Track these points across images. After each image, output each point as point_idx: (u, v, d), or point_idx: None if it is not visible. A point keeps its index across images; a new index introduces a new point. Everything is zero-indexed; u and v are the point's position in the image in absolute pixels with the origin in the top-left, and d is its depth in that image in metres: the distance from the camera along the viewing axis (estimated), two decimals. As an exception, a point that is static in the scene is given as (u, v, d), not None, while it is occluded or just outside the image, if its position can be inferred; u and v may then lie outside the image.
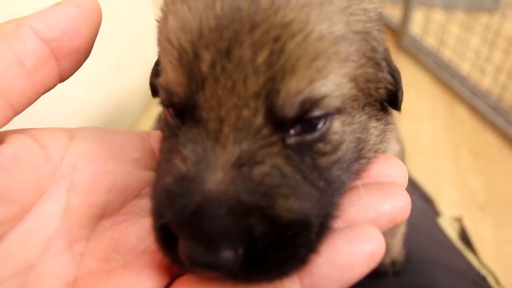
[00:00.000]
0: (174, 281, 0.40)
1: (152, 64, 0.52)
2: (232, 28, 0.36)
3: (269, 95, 0.37)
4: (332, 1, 0.39)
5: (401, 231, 0.80)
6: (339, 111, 0.40)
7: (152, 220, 0.39)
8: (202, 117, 0.38)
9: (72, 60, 0.43)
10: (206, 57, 0.37)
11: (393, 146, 0.61)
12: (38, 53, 0.40)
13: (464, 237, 1.00)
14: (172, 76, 0.39)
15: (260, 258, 0.35)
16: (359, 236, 0.38)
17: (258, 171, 0.36)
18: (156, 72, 0.52)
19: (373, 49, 0.44)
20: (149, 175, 0.46)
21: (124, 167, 0.46)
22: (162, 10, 0.45)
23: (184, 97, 0.39)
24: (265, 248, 0.35)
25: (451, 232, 0.98)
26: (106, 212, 0.44)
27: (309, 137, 0.39)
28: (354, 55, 0.41)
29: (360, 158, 0.44)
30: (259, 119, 0.37)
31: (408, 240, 0.81)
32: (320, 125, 0.39)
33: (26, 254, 0.38)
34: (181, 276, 0.40)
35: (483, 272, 0.85)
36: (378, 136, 0.47)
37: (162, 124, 0.46)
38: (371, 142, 0.45)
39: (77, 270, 0.40)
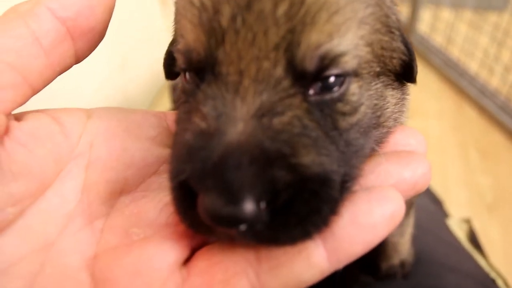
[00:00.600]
0: (194, 253, 0.40)
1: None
2: None
3: (289, 47, 0.37)
4: None
5: (409, 231, 0.79)
6: (356, 74, 0.41)
7: (170, 179, 0.38)
8: (222, 71, 0.38)
9: (87, 39, 0.43)
10: (226, 11, 0.38)
11: (402, 118, 0.61)
12: (54, 32, 0.40)
13: (473, 239, 0.99)
14: (191, 35, 0.40)
15: (283, 216, 0.35)
16: (379, 197, 0.38)
17: (279, 121, 0.36)
18: (170, 53, 0.53)
19: (387, 16, 0.44)
20: (166, 152, 0.46)
21: (141, 144, 0.46)
22: None
23: (204, 54, 0.39)
24: (288, 204, 0.35)
25: (460, 233, 0.97)
26: (125, 189, 0.43)
27: (328, 96, 0.39)
28: (370, 18, 0.42)
29: (379, 125, 0.45)
30: (279, 71, 0.37)
31: (417, 241, 0.80)
32: (339, 85, 0.40)
33: (46, 231, 0.38)
34: (201, 248, 0.40)
35: (492, 275, 0.84)
36: (395, 105, 0.47)
37: (178, 92, 0.47)
38: (389, 110, 0.46)
39: (97, 246, 0.40)
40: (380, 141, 0.46)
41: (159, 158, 0.46)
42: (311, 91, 0.39)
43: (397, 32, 0.46)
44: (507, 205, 1.83)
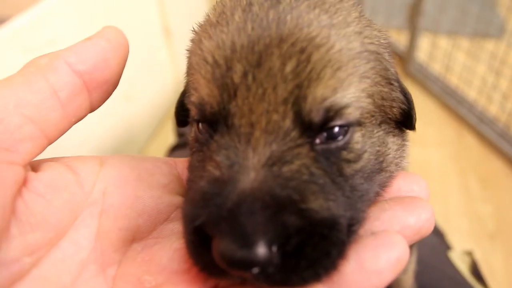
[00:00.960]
0: None
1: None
2: (262, 42, 0.42)
3: (296, 101, 0.41)
4: (349, 25, 0.45)
5: (412, 267, 0.80)
6: (359, 123, 0.44)
7: (185, 223, 0.40)
8: (234, 123, 0.41)
9: (102, 91, 0.46)
10: (239, 68, 0.41)
11: (403, 163, 0.64)
12: (72, 85, 0.42)
13: (475, 271, 0.99)
14: (205, 90, 0.43)
15: (294, 259, 0.36)
16: (385, 242, 0.39)
17: (288, 169, 0.39)
18: (181, 102, 0.56)
19: (386, 69, 0.48)
20: (177, 200, 0.48)
21: (153, 192, 0.47)
22: (193, 38, 0.50)
23: (217, 107, 0.42)
24: (298, 247, 0.36)
25: (462, 266, 0.97)
26: (137, 236, 0.45)
27: (333, 145, 0.42)
28: (370, 72, 0.45)
29: (382, 170, 0.47)
30: (288, 123, 0.40)
31: (420, 277, 0.81)
32: (343, 134, 0.43)
33: (61, 280, 0.39)
34: None
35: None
36: (396, 150, 0.50)
37: (191, 142, 0.50)
38: (390, 155, 0.49)
39: None
40: (383, 185, 0.48)
41: (171, 206, 0.48)
42: (317, 141, 0.42)
43: (396, 84, 0.49)
44: (508, 233, 1.83)
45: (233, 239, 0.35)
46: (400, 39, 2.79)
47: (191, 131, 0.51)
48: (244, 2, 0.46)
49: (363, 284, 0.38)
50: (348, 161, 0.43)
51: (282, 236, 0.36)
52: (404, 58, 2.68)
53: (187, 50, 0.53)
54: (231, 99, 0.41)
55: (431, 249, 0.97)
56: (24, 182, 0.39)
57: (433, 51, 2.58)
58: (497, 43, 2.50)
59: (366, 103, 0.44)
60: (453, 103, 2.40)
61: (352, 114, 0.43)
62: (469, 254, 1.04)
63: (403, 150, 0.53)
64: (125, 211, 0.44)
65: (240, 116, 0.41)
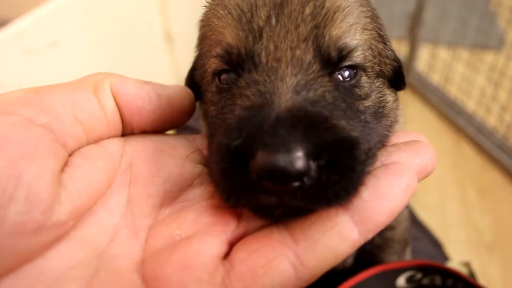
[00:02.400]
0: (233, 247, 0.43)
1: None
2: None
3: (316, 39, 0.46)
4: None
5: (401, 225, 0.82)
6: (363, 69, 0.50)
7: (219, 151, 0.42)
8: (262, 60, 0.46)
9: (139, 128, 0.51)
10: (263, 13, 0.47)
11: (399, 117, 0.70)
12: (113, 110, 0.48)
13: (473, 282, 0.99)
14: (231, 36, 0.48)
15: (326, 174, 0.39)
16: (396, 171, 0.43)
17: (314, 94, 0.44)
18: (191, 77, 0.61)
19: (380, 29, 0.55)
20: (199, 169, 0.51)
21: (176, 161, 0.50)
22: (210, 5, 0.56)
23: (244, 49, 0.47)
24: (329, 163, 0.39)
25: (460, 277, 0.97)
26: (164, 201, 0.48)
27: (347, 83, 0.48)
28: (370, 26, 0.52)
29: (385, 115, 0.53)
30: (309, 57, 0.46)
31: (417, 286, 0.81)
32: (353, 76, 0.49)
33: (96, 241, 0.42)
34: (238, 242, 0.44)
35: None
36: (393, 102, 0.56)
37: (211, 96, 0.54)
38: (389, 104, 0.55)
39: (144, 252, 0.44)
40: (388, 130, 0.53)
41: (193, 173, 0.50)
42: (334, 77, 0.47)
43: (388, 43, 0.56)
44: (506, 244, 1.83)
45: (276, 149, 0.37)
46: (400, 49, 2.81)
47: (208, 90, 0.55)
48: None
49: (380, 209, 0.41)
50: (360, 98, 0.49)
51: (317, 149, 0.38)
52: (404, 68, 2.68)
53: (200, 21, 0.58)
54: (257, 40, 0.46)
55: (428, 259, 0.97)
56: (66, 163, 0.43)
57: (433, 61, 2.60)
58: (496, 55, 2.52)
59: (368, 52, 0.50)
60: (452, 114, 2.41)
61: (359, 57, 0.49)
62: (467, 265, 1.04)
63: (397, 104, 0.59)
64: (152, 179, 0.48)
65: (267, 53, 0.46)
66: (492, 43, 2.74)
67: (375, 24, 0.54)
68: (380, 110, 0.52)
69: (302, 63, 0.45)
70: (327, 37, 0.47)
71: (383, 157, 0.47)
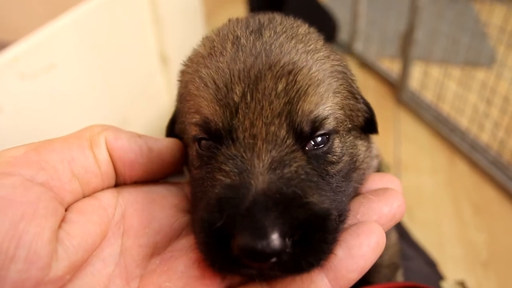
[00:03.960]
0: None
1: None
2: (256, 67, 0.49)
3: (289, 114, 0.48)
4: (319, 51, 0.54)
5: (387, 252, 0.82)
6: (336, 131, 0.53)
7: (202, 228, 0.45)
8: (239, 136, 0.48)
9: (132, 179, 0.54)
10: (238, 90, 0.49)
11: (372, 162, 0.72)
12: (107, 164, 0.50)
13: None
14: (209, 110, 0.50)
15: (300, 247, 0.42)
16: (365, 230, 0.47)
17: (288, 171, 0.46)
18: (171, 126, 0.64)
19: (351, 85, 0.58)
20: (188, 218, 0.54)
21: (167, 212, 0.53)
22: (185, 70, 0.58)
23: (221, 124, 0.49)
24: (303, 237, 0.42)
25: (455, 296, 0.97)
26: (155, 251, 0.51)
27: (320, 150, 0.51)
28: (340, 88, 0.54)
29: (356, 169, 0.56)
30: (283, 132, 0.48)
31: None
32: (325, 141, 0.51)
33: None
34: None
35: None
36: (365, 151, 0.60)
37: (192, 159, 0.56)
38: (361, 156, 0.58)
39: None
40: (359, 182, 0.57)
41: (183, 223, 0.54)
42: (307, 147, 0.50)
43: (358, 96, 0.59)
44: (502, 261, 1.83)
45: (254, 233, 0.40)
46: (393, 68, 2.84)
47: (189, 148, 0.57)
48: (232, 36, 0.54)
49: (352, 267, 0.45)
50: (332, 163, 0.52)
51: (292, 228, 0.42)
52: (397, 86, 2.72)
53: (179, 81, 0.60)
54: (234, 116, 0.49)
55: (423, 279, 0.98)
56: (62, 219, 0.45)
57: (425, 79, 2.63)
58: (487, 72, 2.56)
59: (339, 114, 0.53)
60: (445, 131, 2.43)
61: (331, 123, 0.51)
62: (461, 284, 1.04)
63: (370, 151, 0.62)
64: (144, 230, 0.50)
65: (243, 129, 0.48)
66: (483, 61, 2.78)
67: (346, 83, 0.56)
68: (352, 167, 0.55)
69: (277, 138, 0.48)
70: (300, 112, 0.49)
71: (353, 208, 0.51)
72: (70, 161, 0.47)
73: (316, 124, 0.50)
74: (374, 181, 0.57)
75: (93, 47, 1.60)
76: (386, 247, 0.79)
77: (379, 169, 0.71)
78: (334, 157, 0.52)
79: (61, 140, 0.49)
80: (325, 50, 0.56)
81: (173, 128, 0.64)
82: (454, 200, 2.10)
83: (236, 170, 0.46)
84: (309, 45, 0.54)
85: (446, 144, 2.41)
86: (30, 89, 1.31)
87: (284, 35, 0.54)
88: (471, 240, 1.91)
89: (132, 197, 0.52)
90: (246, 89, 0.49)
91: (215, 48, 0.54)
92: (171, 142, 0.57)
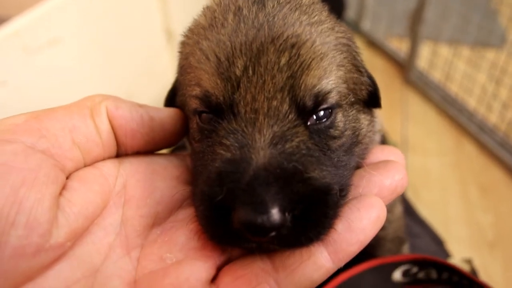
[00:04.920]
0: (219, 272, 0.47)
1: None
2: (258, 40, 0.48)
3: (291, 89, 0.47)
4: (323, 22, 0.53)
5: (391, 225, 0.83)
6: (339, 105, 0.52)
7: (202, 202, 0.45)
8: (240, 110, 0.47)
9: (133, 147, 0.54)
10: (240, 63, 0.48)
11: (375, 136, 0.72)
12: (108, 133, 0.50)
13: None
14: (210, 83, 0.49)
15: (301, 221, 0.42)
16: (366, 204, 0.47)
17: (290, 145, 0.45)
18: (171, 98, 0.64)
19: (355, 58, 0.57)
20: (189, 189, 0.54)
21: (168, 183, 0.54)
22: (185, 42, 0.57)
23: (222, 98, 0.48)
24: (303, 211, 0.43)
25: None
26: (156, 222, 0.51)
27: (322, 125, 0.50)
28: (344, 61, 0.53)
29: (358, 143, 0.55)
30: (286, 107, 0.47)
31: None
32: (328, 116, 0.50)
33: (92, 260, 0.46)
34: (224, 267, 0.47)
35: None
36: (368, 125, 0.59)
37: (193, 132, 0.56)
38: (363, 130, 0.57)
39: (136, 272, 0.47)
40: (361, 156, 0.56)
41: (184, 194, 0.54)
42: (309, 122, 0.49)
43: (363, 70, 0.58)
44: (508, 242, 1.82)
45: (254, 208, 0.40)
46: (401, 47, 2.80)
47: (190, 121, 0.57)
48: (233, 7, 0.53)
49: (351, 241, 0.45)
50: (334, 137, 0.51)
51: (293, 202, 0.42)
52: (405, 66, 2.68)
53: (179, 52, 0.59)
54: (235, 90, 0.48)
55: (430, 255, 0.97)
56: (63, 187, 0.45)
57: (434, 59, 2.59)
58: (497, 52, 2.51)
59: (342, 87, 0.52)
60: (453, 112, 2.40)
61: (334, 98, 0.50)
62: (468, 262, 1.04)
63: (373, 125, 0.62)
64: (145, 200, 0.51)
65: (245, 104, 0.47)
66: (494, 41, 2.73)
67: (350, 56, 0.55)
68: (354, 140, 0.54)
69: (279, 113, 0.47)
70: (302, 86, 0.48)
71: (356, 180, 0.51)
72: (71, 130, 0.47)
73: (319, 99, 0.49)
74: (376, 154, 0.57)
75: (98, 22, 1.57)
76: (390, 221, 0.79)
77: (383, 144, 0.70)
78: (336, 131, 0.51)
79: (62, 109, 0.48)
80: (330, 22, 0.55)
81: (173, 100, 0.63)
82: (460, 181, 2.09)
83: (237, 144, 0.46)
84: (313, 17, 0.53)
85: (453, 124, 2.39)
86: (34, 63, 1.29)
87: (287, 6, 0.52)
88: (477, 221, 1.91)
89: (133, 168, 0.52)
90: (248, 63, 0.48)
91: (216, 19, 0.53)
92: (173, 111, 0.57)
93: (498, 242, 1.82)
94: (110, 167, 0.51)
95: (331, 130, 0.51)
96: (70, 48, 1.44)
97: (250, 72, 0.47)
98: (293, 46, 0.48)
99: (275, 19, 0.50)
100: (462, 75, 2.45)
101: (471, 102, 2.37)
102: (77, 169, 0.48)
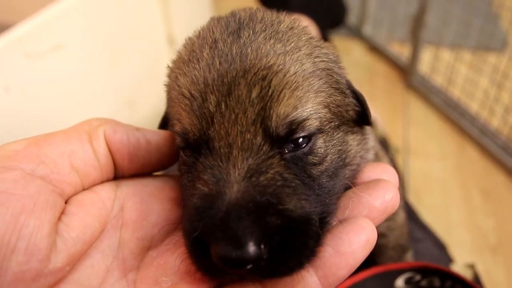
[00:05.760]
0: None
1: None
2: (230, 75, 0.48)
3: (264, 120, 0.47)
4: (300, 49, 0.52)
5: (393, 233, 0.82)
6: (320, 131, 0.51)
7: (185, 237, 0.47)
8: (215, 146, 0.48)
9: (131, 170, 0.55)
10: (213, 99, 0.48)
11: (368, 154, 0.71)
12: (106, 157, 0.51)
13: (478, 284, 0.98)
14: (186, 120, 0.50)
15: (279, 253, 0.43)
16: (355, 227, 0.47)
17: (264, 178, 0.45)
18: (163, 126, 0.65)
19: (337, 82, 0.55)
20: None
21: (164, 205, 0.54)
22: (169, 75, 0.58)
23: (198, 134, 0.49)
24: (281, 243, 0.43)
25: (464, 279, 0.96)
26: (152, 244, 0.52)
27: (300, 152, 0.49)
28: (323, 86, 0.52)
29: (346, 165, 0.55)
30: (259, 139, 0.47)
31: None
32: (307, 142, 0.50)
33: (90, 283, 0.47)
34: None
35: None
36: (358, 145, 0.58)
37: (179, 165, 0.56)
38: (353, 151, 0.56)
39: None
40: (351, 178, 0.56)
41: (178, 217, 0.54)
42: (286, 150, 0.49)
43: (347, 91, 0.57)
44: (510, 246, 1.81)
45: (227, 243, 0.41)
46: (403, 52, 2.80)
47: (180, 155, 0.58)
48: (210, 40, 0.53)
49: (341, 265, 0.45)
50: (314, 164, 0.50)
51: (267, 235, 0.42)
52: (407, 70, 2.68)
53: (165, 85, 0.61)
54: (210, 126, 0.48)
55: (432, 261, 0.97)
56: (61, 211, 0.47)
57: (436, 63, 2.59)
58: (499, 56, 2.51)
59: (323, 113, 0.51)
60: (455, 116, 2.40)
61: (312, 125, 0.50)
62: (471, 266, 1.04)
63: (365, 143, 0.61)
64: (142, 223, 0.52)
65: (219, 139, 0.48)
66: (495, 45, 2.73)
67: (331, 80, 0.54)
68: (341, 164, 0.54)
69: (253, 146, 0.47)
70: (274, 117, 0.47)
71: (343, 203, 0.51)
72: (69, 155, 0.48)
73: (293, 127, 0.49)
74: (367, 172, 0.56)
75: (100, 28, 1.58)
76: (392, 228, 0.79)
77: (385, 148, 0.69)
78: (316, 158, 0.51)
79: (60, 134, 0.50)
80: (308, 47, 0.54)
81: (165, 128, 0.65)
82: (462, 186, 2.08)
83: (213, 179, 0.46)
84: (289, 44, 0.52)
85: (455, 129, 2.38)
86: (37, 69, 1.30)
87: (263, 34, 0.52)
88: (479, 225, 1.90)
89: (130, 191, 0.53)
90: (220, 98, 0.48)
91: (194, 53, 0.53)
92: (168, 134, 0.58)
93: (500, 246, 1.81)
94: (107, 190, 0.52)
95: (310, 157, 0.50)
96: (72, 54, 1.45)
97: (223, 107, 0.48)
98: (264, 78, 0.48)
99: (248, 50, 0.50)
100: (464, 79, 2.45)
101: (473, 106, 2.37)
102: (76, 193, 0.49)
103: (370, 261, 0.79)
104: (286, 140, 0.49)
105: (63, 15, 1.39)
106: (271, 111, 0.47)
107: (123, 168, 0.54)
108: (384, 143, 1.29)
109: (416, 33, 2.54)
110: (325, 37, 1.84)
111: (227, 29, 0.53)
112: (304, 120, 0.49)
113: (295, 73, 0.49)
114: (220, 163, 0.47)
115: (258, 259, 0.41)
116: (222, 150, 0.48)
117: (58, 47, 1.39)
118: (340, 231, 0.47)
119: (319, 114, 0.51)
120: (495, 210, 1.96)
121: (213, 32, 0.54)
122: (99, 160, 0.51)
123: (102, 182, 0.52)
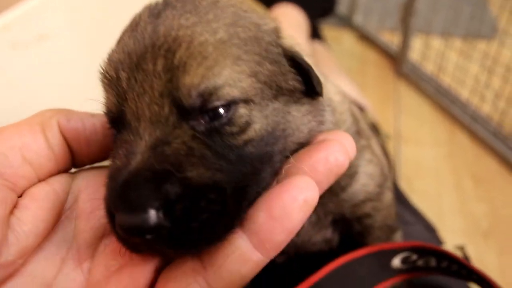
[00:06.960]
0: (159, 275, 0.48)
1: None
2: (139, 51, 0.49)
3: (171, 92, 0.47)
4: (218, 20, 0.51)
5: (380, 213, 0.79)
6: (244, 101, 0.48)
7: (106, 215, 0.46)
8: (128, 121, 0.48)
9: (89, 158, 0.55)
10: (124, 76, 0.49)
11: (365, 168, 0.68)
12: (61, 145, 0.51)
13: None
14: (107, 100, 0.51)
15: (184, 222, 0.42)
16: (289, 188, 0.43)
17: (169, 148, 0.45)
18: None
19: (266, 50, 0.52)
20: None
21: None
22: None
23: (116, 112, 0.49)
24: (187, 212, 0.42)
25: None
26: (106, 233, 0.52)
27: (217, 122, 0.47)
28: (247, 55, 0.50)
29: (287, 136, 0.52)
30: (166, 111, 0.47)
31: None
32: (226, 112, 0.47)
33: (45, 275, 0.47)
34: (163, 270, 0.48)
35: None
36: (304, 116, 0.54)
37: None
38: (296, 122, 0.53)
39: (87, 283, 0.49)
40: (294, 149, 0.52)
41: None
42: (202, 122, 0.47)
43: (283, 60, 0.53)
44: (502, 232, 1.83)
45: (124, 210, 0.41)
46: (393, 40, 2.80)
47: None
48: (134, 23, 0.53)
49: (276, 230, 0.42)
50: (233, 134, 0.48)
51: (165, 202, 0.41)
52: (397, 58, 2.68)
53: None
54: (124, 102, 0.49)
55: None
56: (13, 205, 0.47)
57: (426, 51, 2.59)
58: (489, 42, 2.51)
59: (248, 82, 0.49)
60: (446, 103, 2.40)
61: (230, 93, 0.47)
62: (461, 248, 1.04)
63: (317, 115, 0.57)
64: (95, 212, 0.51)
65: (131, 114, 0.48)
66: (485, 31, 2.73)
67: (259, 49, 0.52)
68: (278, 133, 0.51)
69: (160, 118, 0.47)
70: (181, 88, 0.47)
71: (284, 170, 0.49)
72: (21, 147, 0.48)
73: (206, 97, 0.47)
74: (317, 151, 0.50)
75: (86, 16, 1.56)
76: (378, 209, 0.78)
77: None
78: (235, 127, 0.48)
79: (11, 127, 0.50)
80: (231, 18, 0.52)
81: None
82: (454, 172, 2.09)
83: (124, 153, 0.47)
84: (206, 16, 0.51)
85: (446, 116, 2.39)
86: (21, 59, 1.28)
87: (181, 11, 0.51)
88: (471, 211, 1.91)
89: (85, 182, 0.53)
90: (130, 74, 0.48)
91: (120, 38, 0.54)
92: None
93: (492, 231, 1.82)
94: (62, 182, 0.52)
95: (227, 127, 0.48)
96: (58, 44, 1.43)
97: (133, 82, 0.48)
98: (168, 50, 0.47)
99: (160, 27, 0.49)
100: (454, 66, 2.45)
101: (464, 93, 2.37)
102: (30, 185, 0.49)
103: (356, 242, 0.78)
104: (199, 110, 0.47)
105: (49, 4, 1.37)
106: (178, 82, 0.47)
107: (81, 155, 0.54)
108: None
109: (406, 21, 2.53)
110: (315, 27, 1.82)
111: (151, 11, 0.53)
112: (217, 89, 0.47)
113: (202, 43, 0.48)
114: (132, 137, 0.47)
115: (159, 227, 0.41)
116: (132, 124, 0.48)
117: (43, 37, 1.37)
118: (272, 193, 0.44)
119: (241, 84, 0.48)
120: (486, 195, 1.97)
121: (140, 16, 0.54)
122: (54, 151, 0.51)
123: (59, 172, 0.52)
